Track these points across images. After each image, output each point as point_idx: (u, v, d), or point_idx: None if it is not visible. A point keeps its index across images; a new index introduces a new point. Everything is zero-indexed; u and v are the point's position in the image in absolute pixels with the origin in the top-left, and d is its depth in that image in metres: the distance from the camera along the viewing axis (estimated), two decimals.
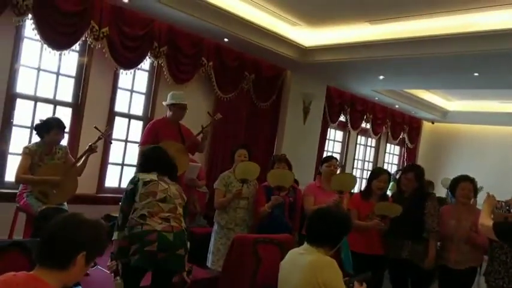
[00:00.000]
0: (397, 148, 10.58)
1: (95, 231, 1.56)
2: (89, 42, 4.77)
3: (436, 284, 4.02)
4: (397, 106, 9.20)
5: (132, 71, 5.25)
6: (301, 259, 2.41)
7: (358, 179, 9.27)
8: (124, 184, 5.46)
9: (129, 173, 5.51)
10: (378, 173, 4.07)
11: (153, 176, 2.94)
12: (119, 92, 5.29)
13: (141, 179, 2.90)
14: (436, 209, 3.89)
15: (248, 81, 6.50)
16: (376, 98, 8.64)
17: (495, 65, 5.45)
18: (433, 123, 10.51)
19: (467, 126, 9.98)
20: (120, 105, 5.33)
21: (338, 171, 4.73)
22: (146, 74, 5.59)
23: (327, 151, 8.40)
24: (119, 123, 5.33)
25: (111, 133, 5.04)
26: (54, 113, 4.76)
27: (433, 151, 10.51)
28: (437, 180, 7.70)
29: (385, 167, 10.12)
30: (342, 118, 8.40)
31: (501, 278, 3.54)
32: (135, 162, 5.47)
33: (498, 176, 8.27)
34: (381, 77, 6.85)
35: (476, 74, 5.94)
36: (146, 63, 5.41)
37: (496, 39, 4.72)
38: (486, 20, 4.70)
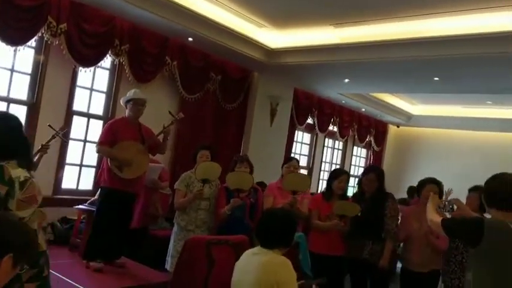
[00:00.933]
0: (364, 151, 10.71)
1: (23, 233, 1.47)
2: (45, 38, 4.62)
3: (397, 285, 4.05)
4: (363, 110, 9.32)
5: (92, 69, 5.11)
6: (255, 260, 2.37)
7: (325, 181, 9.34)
8: (83, 186, 5.32)
9: (88, 174, 5.36)
10: (337, 173, 4.11)
11: (24, 171, 2.07)
12: (77, 90, 5.14)
13: (16, 177, 2.00)
14: (396, 210, 3.94)
15: (214, 82, 6.44)
16: (343, 102, 8.72)
17: (454, 70, 5.58)
18: (398, 126, 10.70)
19: (431, 130, 10.20)
20: (79, 104, 5.18)
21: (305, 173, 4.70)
22: (107, 73, 5.44)
23: (295, 153, 8.41)
24: (78, 123, 5.17)
25: (68, 131, 4.86)
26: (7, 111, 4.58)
27: (399, 154, 10.69)
28: (403, 182, 7.82)
29: (352, 169, 10.24)
30: (309, 121, 8.43)
31: (457, 278, 3.61)
32: (94, 163, 5.33)
33: (461, 180, 8.42)
34: (346, 80, 6.92)
35: (436, 79, 6.06)
36: (107, 62, 5.27)
37: (453, 45, 4.82)
38: (444, 25, 4.79)
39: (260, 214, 4.03)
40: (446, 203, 2.95)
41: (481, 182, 3.78)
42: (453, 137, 9.83)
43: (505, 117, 8.52)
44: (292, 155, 8.10)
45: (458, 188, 5.91)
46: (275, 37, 6.12)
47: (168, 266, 3.99)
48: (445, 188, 3.84)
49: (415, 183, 4.13)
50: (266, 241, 2.37)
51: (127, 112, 4.28)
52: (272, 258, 2.33)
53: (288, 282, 2.29)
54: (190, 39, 5.59)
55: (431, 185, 3.86)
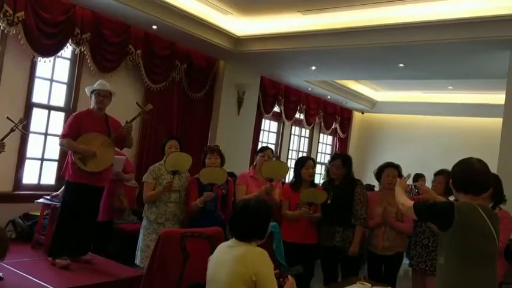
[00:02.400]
0: (330, 138, 10.83)
1: None
2: (2, 27, 4.39)
3: (366, 270, 4.13)
4: (329, 97, 9.39)
5: (52, 59, 4.89)
6: (230, 252, 2.32)
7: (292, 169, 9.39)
8: (44, 180, 5.12)
9: (50, 169, 5.17)
10: (303, 161, 4.09)
11: None
12: (37, 81, 4.91)
13: None
14: (365, 196, 3.99)
15: (179, 70, 6.32)
16: (309, 89, 8.75)
17: (419, 56, 5.68)
18: (363, 113, 10.86)
19: (394, 116, 10.39)
20: (39, 96, 4.94)
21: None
22: (68, 63, 5.22)
23: (262, 142, 8.40)
24: (38, 115, 4.94)
25: (27, 124, 4.63)
26: None
27: (364, 140, 10.87)
28: (368, 168, 7.94)
29: (319, 156, 10.34)
30: (276, 109, 8.43)
31: (424, 262, 3.69)
32: (56, 156, 5.15)
33: (424, 164, 8.68)
34: (313, 68, 6.93)
35: (401, 65, 6.16)
36: (67, 51, 5.05)
37: (418, 31, 4.89)
38: (409, 12, 4.86)
39: (231, 205, 4.01)
40: (413, 187, 3.00)
41: (443, 166, 3.90)
42: (416, 122, 10.05)
43: (465, 102, 8.77)
44: (259, 143, 8.10)
45: (420, 171, 6.10)
46: (241, 24, 6.04)
47: (137, 261, 3.91)
48: (405, 173, 3.91)
49: None
50: (241, 234, 2.32)
51: (91, 103, 4.13)
52: (248, 251, 2.29)
53: (266, 273, 2.25)
54: (154, 27, 5.43)
55: (390, 168, 3.95)
